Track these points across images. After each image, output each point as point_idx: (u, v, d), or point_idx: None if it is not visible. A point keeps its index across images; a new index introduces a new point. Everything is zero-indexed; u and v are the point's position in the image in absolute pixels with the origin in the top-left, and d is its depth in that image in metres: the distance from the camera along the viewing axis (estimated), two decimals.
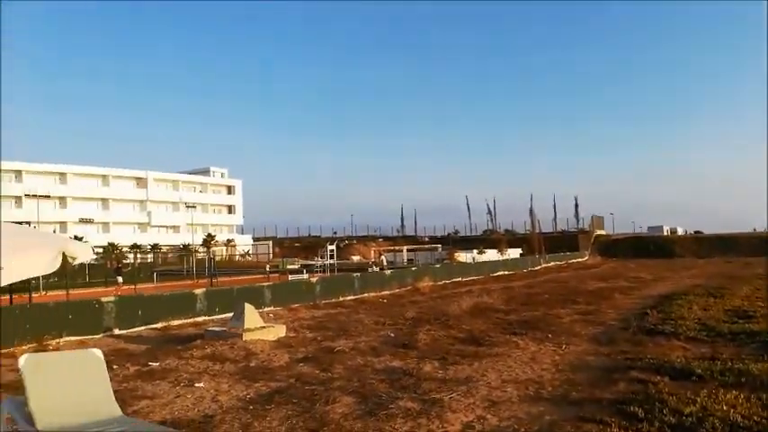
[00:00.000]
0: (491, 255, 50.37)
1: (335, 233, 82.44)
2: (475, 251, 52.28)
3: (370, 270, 32.68)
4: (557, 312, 13.25)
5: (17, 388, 6.74)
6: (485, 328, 11.08)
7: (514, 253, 52.61)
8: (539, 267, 38.38)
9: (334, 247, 41.27)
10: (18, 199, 63.26)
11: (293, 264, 45.00)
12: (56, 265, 3.30)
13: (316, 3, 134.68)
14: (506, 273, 32.21)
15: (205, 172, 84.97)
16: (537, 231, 66.29)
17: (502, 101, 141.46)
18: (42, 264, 3.30)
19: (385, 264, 39.78)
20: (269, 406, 5.92)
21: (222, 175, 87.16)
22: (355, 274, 21.91)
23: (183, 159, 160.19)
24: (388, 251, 55.36)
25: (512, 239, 65.41)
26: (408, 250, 56.01)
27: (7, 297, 14.41)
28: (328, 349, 9.16)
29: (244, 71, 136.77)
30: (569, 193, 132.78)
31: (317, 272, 34.97)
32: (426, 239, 75.96)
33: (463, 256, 48.52)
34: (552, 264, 42.29)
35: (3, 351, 9.78)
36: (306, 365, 7.99)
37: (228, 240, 73.01)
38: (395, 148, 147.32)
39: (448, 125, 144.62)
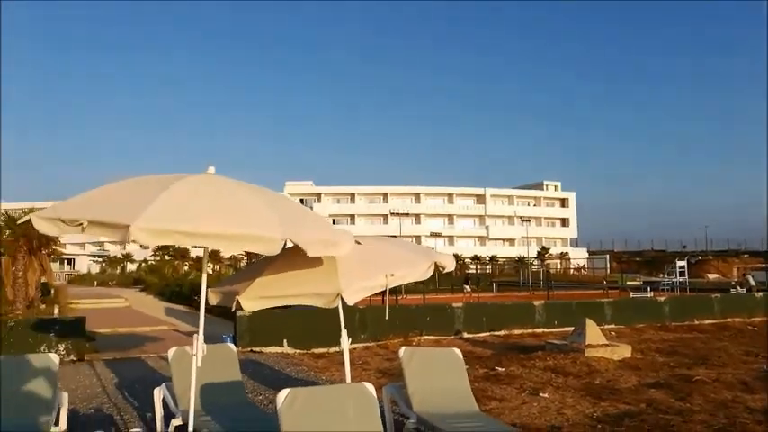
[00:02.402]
0: None
1: (685, 247, 73.03)
2: None
3: (732, 291, 27.74)
4: None
5: (392, 374, 8.15)
6: None
7: None
8: None
9: (684, 262, 36.55)
10: (385, 216, 76.20)
11: (634, 280, 41.61)
12: (429, 273, 3.96)
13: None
14: None
15: (538, 186, 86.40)
16: None
17: None
18: (420, 272, 4.00)
19: (752, 284, 33.10)
20: (618, 428, 5.65)
21: (555, 188, 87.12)
22: (714, 295, 18.93)
23: (518, 174, 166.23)
24: (757, 269, 45.89)
25: None
26: None
27: (379, 298, 17.47)
28: (684, 377, 8.18)
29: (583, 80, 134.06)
30: None
31: (663, 290, 31.55)
32: None
33: None
34: None
35: (380, 342, 11.92)
36: (658, 391, 7.31)
37: (562, 253, 72.35)
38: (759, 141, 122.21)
39: None
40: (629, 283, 37.91)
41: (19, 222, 20.61)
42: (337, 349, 11.60)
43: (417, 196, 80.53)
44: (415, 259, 4.17)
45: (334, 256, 3.37)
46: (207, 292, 4.30)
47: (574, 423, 5.89)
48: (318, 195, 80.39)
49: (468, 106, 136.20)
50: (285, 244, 2.96)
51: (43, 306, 19.11)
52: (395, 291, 20.55)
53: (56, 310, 16.74)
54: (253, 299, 3.80)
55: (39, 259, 21.04)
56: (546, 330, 13.98)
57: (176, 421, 4.84)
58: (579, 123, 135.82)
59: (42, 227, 2.87)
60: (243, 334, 11.05)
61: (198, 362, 3.54)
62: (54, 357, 4.91)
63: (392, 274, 3.80)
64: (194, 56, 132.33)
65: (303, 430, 3.41)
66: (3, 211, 22.26)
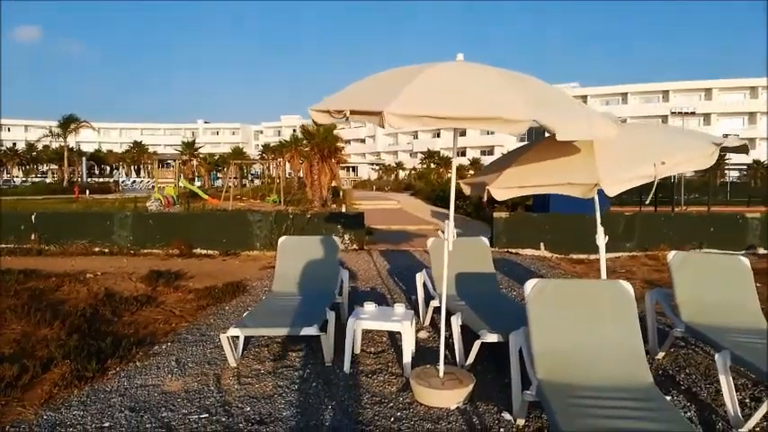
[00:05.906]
0: None
1: None
2: None
3: None
4: None
5: (660, 287, 7.43)
6: None
7: None
8: None
9: None
10: (664, 117, 67.11)
11: None
12: (713, 160, 3.34)
13: None
14: None
15: None
16: None
17: None
18: (701, 158, 3.40)
19: None
20: None
21: None
22: None
23: None
24: None
25: None
26: None
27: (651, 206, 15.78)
28: None
29: None
30: None
31: None
32: None
33: None
34: None
35: (648, 252, 10.92)
36: None
37: None
38: None
39: None
40: None
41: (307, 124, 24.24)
42: (599, 257, 11.03)
43: (708, 91, 68.15)
44: (692, 144, 3.54)
45: (590, 141, 3.08)
46: (459, 184, 4.43)
47: None
48: (584, 97, 74.51)
49: None
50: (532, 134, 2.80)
51: (333, 206, 22.52)
52: (669, 201, 18.32)
53: (343, 209, 19.55)
54: (503, 188, 3.78)
55: (329, 166, 24.66)
56: None
57: (435, 303, 5.31)
58: None
59: (317, 117, 3.31)
60: (499, 235, 11.29)
61: (449, 246, 3.73)
62: (336, 239, 5.78)
63: (663, 162, 3.30)
64: None
65: (550, 320, 3.38)
66: (301, 125, 26.35)
